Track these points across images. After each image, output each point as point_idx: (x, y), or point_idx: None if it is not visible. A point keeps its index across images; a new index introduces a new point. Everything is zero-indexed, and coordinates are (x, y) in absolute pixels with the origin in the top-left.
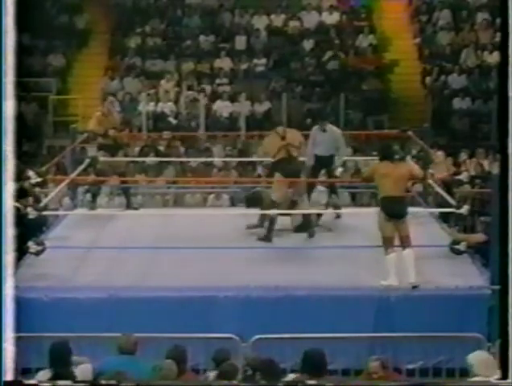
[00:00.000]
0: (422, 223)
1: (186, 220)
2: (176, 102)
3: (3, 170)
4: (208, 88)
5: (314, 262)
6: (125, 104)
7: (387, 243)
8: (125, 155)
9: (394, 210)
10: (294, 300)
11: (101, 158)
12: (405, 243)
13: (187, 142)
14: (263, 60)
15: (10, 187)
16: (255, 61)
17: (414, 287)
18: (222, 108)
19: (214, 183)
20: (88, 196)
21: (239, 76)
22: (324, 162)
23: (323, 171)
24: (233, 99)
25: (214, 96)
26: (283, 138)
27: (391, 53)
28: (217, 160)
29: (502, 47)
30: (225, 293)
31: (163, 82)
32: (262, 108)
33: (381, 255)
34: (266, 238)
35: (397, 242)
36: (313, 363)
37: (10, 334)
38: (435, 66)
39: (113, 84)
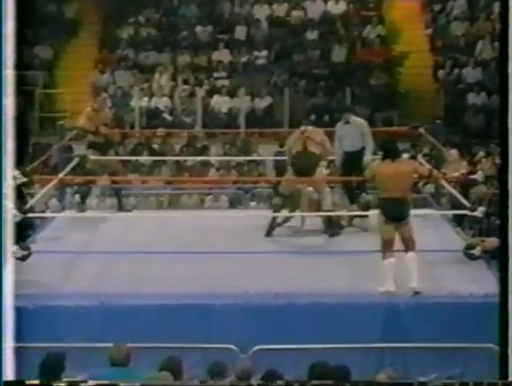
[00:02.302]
0: (434, 226)
1: (182, 223)
2: (171, 97)
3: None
4: (205, 83)
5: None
6: (116, 100)
7: (386, 247)
8: (117, 154)
9: (394, 212)
10: (296, 308)
11: (91, 157)
12: (408, 246)
13: (183, 140)
14: (264, 52)
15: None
16: (256, 53)
17: (416, 293)
18: (220, 103)
19: (212, 184)
20: (78, 197)
21: (238, 70)
22: (352, 159)
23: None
24: (231, 94)
25: (212, 91)
26: (302, 133)
27: (401, 45)
28: (215, 159)
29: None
30: (223, 301)
31: (157, 76)
32: (262, 103)
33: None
34: (268, 233)
35: (400, 246)
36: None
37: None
38: (448, 58)
39: (103, 78)
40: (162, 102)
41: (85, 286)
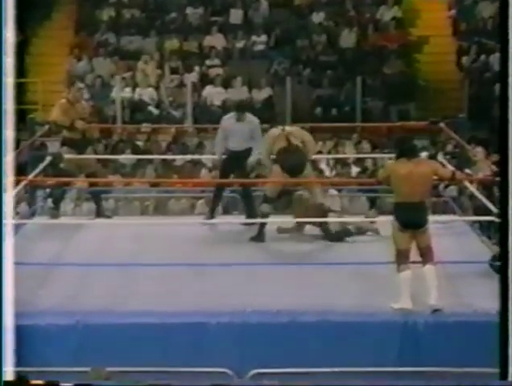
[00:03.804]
0: (456, 234)
1: (169, 231)
2: (157, 88)
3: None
4: (196, 71)
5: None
6: (95, 90)
7: (401, 257)
8: (96, 152)
9: (411, 219)
10: (299, 327)
11: (66, 156)
12: (426, 257)
13: (170, 136)
14: (263, 37)
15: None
16: (254, 38)
17: (436, 311)
18: (214, 95)
19: (204, 186)
20: (50, 202)
21: (234, 57)
22: (237, 158)
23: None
24: (226, 84)
25: (204, 81)
26: (283, 129)
27: (419, 28)
28: (208, 158)
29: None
30: (217, 319)
31: (141, 63)
32: (261, 95)
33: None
34: (258, 238)
35: (416, 257)
36: None
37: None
38: (473, 44)
39: (80, 66)
40: (147, 93)
41: (59, 303)
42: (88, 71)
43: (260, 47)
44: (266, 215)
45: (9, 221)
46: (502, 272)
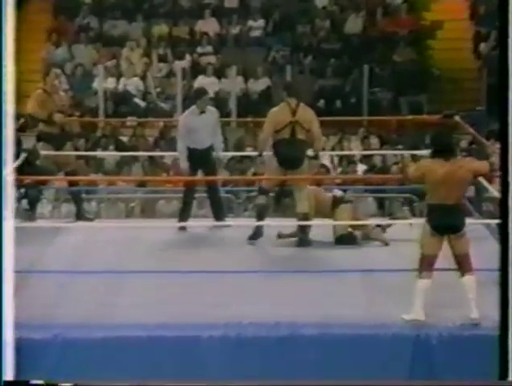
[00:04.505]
0: (474, 239)
1: (157, 235)
2: (144, 78)
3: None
4: (187, 59)
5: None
6: (75, 80)
7: (425, 264)
8: (76, 148)
9: (446, 222)
10: (301, 340)
11: (43, 152)
12: (464, 266)
13: (158, 131)
14: (260, 22)
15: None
16: (250, 23)
17: (475, 325)
18: (206, 85)
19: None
20: (25, 203)
21: (228, 44)
22: (199, 158)
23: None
24: (220, 74)
25: (195, 70)
26: (294, 114)
27: (433, 12)
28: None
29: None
30: (210, 332)
31: (126, 51)
32: (258, 85)
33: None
34: (255, 236)
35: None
36: None
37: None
38: (492, 29)
39: (59, 53)
40: (132, 84)
41: (36, 315)
42: (68, 58)
43: (257, 33)
44: (262, 208)
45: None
46: (502, 271)
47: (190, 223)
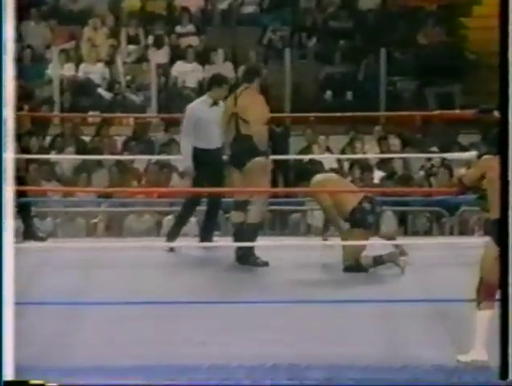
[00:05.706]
0: None
1: (127, 258)
2: (111, 63)
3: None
4: (163, 41)
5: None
6: (24, 66)
7: (487, 292)
8: (25, 150)
9: None
10: None
11: None
12: None
13: (128, 130)
14: None
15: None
16: None
17: None
18: (186, 73)
19: (174, 197)
20: None
21: (214, 22)
22: (209, 162)
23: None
24: (203, 59)
25: (174, 54)
26: (235, 103)
27: None
28: (180, 159)
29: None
30: (192, 378)
31: (88, 30)
32: None
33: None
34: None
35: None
36: None
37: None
38: None
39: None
40: (96, 71)
41: None
42: (16, 39)
43: (250, 9)
44: (237, 226)
45: None
46: (503, 271)
47: (176, 243)
